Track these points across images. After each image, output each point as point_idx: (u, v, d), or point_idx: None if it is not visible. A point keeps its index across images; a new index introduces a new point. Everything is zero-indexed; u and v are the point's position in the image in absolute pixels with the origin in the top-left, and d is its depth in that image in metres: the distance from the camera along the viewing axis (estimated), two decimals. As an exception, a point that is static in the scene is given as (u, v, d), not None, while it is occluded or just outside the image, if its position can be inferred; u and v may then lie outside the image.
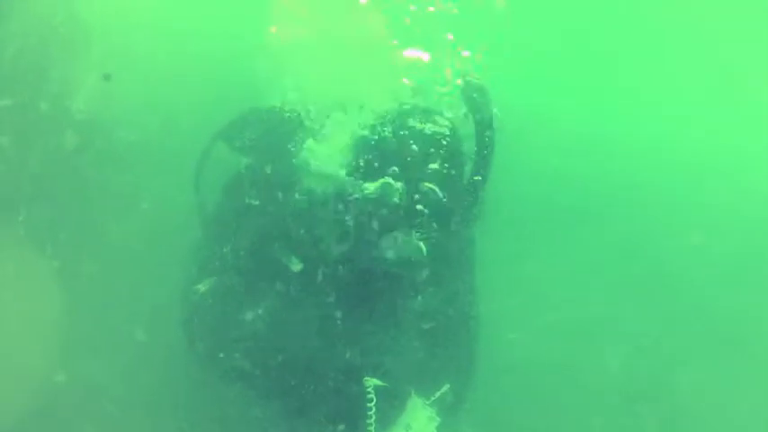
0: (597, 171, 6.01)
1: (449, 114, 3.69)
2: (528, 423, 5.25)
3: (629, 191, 6.07)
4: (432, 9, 4.15)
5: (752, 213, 6.19)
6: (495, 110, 3.51)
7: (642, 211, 6.05)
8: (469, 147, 3.58)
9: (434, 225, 3.37)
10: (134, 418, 4.31)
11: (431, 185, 3.36)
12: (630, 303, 5.82)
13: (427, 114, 3.60)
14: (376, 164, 3.41)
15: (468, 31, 4.26)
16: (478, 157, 3.52)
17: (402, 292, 3.49)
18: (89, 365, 4.19)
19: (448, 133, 3.51)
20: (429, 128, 3.46)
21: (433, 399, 3.48)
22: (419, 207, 3.33)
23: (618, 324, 5.78)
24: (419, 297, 3.54)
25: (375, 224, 3.29)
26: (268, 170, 3.56)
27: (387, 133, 3.46)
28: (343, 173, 3.35)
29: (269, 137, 3.70)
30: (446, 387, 3.55)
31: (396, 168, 3.35)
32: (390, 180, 3.27)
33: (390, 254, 3.31)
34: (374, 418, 3.25)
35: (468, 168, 3.61)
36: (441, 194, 3.35)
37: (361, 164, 3.40)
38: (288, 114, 3.74)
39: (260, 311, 3.52)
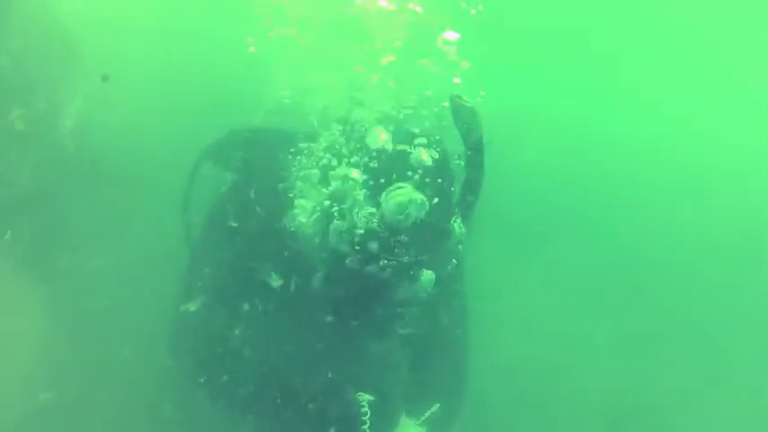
0: (597, 171, 6.03)
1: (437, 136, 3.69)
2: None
3: (629, 190, 6.09)
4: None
5: (752, 213, 6.21)
6: (483, 134, 3.50)
7: (642, 211, 6.07)
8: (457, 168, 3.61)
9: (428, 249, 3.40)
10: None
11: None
12: (629, 307, 5.85)
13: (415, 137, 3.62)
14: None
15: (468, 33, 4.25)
16: (469, 178, 3.54)
17: (391, 312, 3.53)
18: (75, 383, 4.18)
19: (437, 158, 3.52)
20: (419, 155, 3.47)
21: (423, 418, 3.53)
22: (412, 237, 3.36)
23: (616, 326, 5.79)
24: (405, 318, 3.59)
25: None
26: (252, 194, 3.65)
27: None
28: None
29: (255, 156, 3.78)
30: (436, 406, 3.60)
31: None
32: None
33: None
34: None
35: (456, 189, 3.63)
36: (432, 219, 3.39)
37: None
38: (274, 133, 3.81)
39: (247, 331, 3.61)
